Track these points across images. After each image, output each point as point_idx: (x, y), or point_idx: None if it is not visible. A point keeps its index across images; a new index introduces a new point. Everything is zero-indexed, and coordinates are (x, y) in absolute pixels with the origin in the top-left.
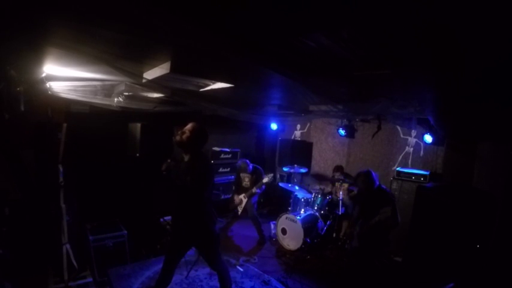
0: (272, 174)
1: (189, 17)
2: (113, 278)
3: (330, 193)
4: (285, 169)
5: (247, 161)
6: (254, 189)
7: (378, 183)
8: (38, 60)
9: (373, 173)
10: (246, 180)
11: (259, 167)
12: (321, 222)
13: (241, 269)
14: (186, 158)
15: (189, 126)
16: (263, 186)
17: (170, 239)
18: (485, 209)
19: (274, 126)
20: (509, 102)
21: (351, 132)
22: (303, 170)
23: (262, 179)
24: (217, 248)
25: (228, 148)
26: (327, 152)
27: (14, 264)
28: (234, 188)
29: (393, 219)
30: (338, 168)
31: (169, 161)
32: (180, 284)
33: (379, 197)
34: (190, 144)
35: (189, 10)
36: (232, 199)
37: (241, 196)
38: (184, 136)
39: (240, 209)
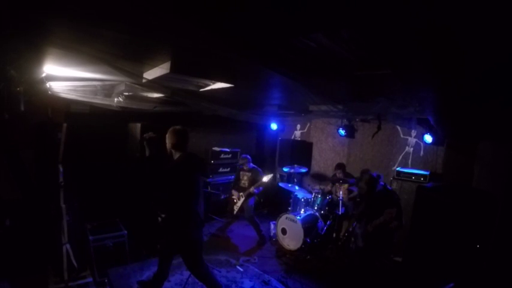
0: (272, 175)
1: (189, 17)
2: (113, 278)
3: (330, 193)
4: (285, 169)
5: (248, 156)
6: (252, 189)
7: (382, 183)
8: (38, 60)
9: (379, 177)
10: (244, 178)
11: (257, 167)
12: (321, 222)
13: (241, 269)
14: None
15: (167, 133)
16: (260, 188)
17: (162, 240)
18: (485, 209)
19: (274, 126)
20: (509, 103)
21: (351, 132)
22: (303, 170)
23: (261, 178)
24: (199, 256)
25: (228, 148)
26: (327, 152)
27: (14, 264)
28: (232, 185)
29: (398, 221)
30: (340, 166)
31: (151, 133)
32: (181, 284)
33: (385, 197)
34: (173, 147)
35: (189, 10)
36: (230, 196)
37: (239, 194)
38: (167, 142)
39: (236, 208)
